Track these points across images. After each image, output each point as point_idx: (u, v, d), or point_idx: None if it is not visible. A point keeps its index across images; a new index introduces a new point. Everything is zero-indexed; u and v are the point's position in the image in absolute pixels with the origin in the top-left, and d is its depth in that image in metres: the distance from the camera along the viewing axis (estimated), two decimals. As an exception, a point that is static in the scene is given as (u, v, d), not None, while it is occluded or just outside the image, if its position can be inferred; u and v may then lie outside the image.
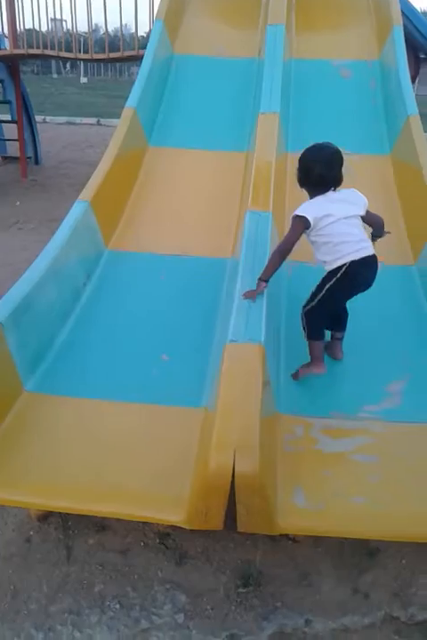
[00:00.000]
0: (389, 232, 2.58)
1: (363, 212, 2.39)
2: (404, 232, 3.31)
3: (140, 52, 7.76)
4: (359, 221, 2.38)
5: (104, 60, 7.38)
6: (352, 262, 2.29)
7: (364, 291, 2.41)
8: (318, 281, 2.41)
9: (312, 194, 2.40)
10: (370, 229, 2.53)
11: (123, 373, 2.53)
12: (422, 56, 7.45)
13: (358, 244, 2.30)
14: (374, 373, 2.48)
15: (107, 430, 2.24)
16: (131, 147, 3.81)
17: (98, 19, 7.86)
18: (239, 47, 4.69)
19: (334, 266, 2.32)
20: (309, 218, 2.29)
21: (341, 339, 2.59)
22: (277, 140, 3.56)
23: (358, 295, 2.43)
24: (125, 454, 2.10)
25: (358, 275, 2.33)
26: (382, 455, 2.09)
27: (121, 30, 8.02)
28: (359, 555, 2.22)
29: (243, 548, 2.23)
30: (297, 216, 2.32)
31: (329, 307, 2.43)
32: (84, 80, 29.82)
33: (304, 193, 2.48)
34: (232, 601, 2.06)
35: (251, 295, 2.35)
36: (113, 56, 7.04)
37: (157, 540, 2.28)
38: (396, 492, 1.95)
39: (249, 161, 3.67)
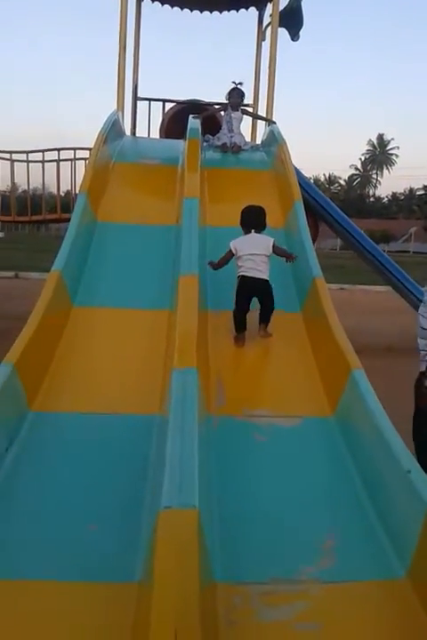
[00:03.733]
0: (292, 255, 4.09)
1: (267, 252, 3.92)
2: (320, 385, 3.53)
3: (63, 215, 8.21)
4: (261, 258, 3.89)
5: (26, 221, 7.67)
6: (243, 276, 3.90)
7: (256, 295, 3.90)
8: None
9: (244, 231, 4.06)
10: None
11: (46, 549, 2.33)
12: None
13: (249, 268, 3.87)
14: (308, 530, 2.47)
15: (27, 616, 2.03)
16: (56, 308, 3.88)
17: (19, 179, 8.26)
18: (158, 216, 5.14)
19: (237, 276, 3.96)
20: (231, 247, 3.97)
21: (263, 325, 3.94)
22: (198, 299, 3.78)
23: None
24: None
25: (246, 284, 3.89)
26: (324, 622, 2.04)
27: (43, 194, 8.46)
28: None
29: None
30: (230, 245, 3.98)
31: (238, 303, 3.91)
32: (0, 235, 30.40)
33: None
34: None
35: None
36: (35, 219, 7.35)
37: None
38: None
39: (172, 318, 3.83)
